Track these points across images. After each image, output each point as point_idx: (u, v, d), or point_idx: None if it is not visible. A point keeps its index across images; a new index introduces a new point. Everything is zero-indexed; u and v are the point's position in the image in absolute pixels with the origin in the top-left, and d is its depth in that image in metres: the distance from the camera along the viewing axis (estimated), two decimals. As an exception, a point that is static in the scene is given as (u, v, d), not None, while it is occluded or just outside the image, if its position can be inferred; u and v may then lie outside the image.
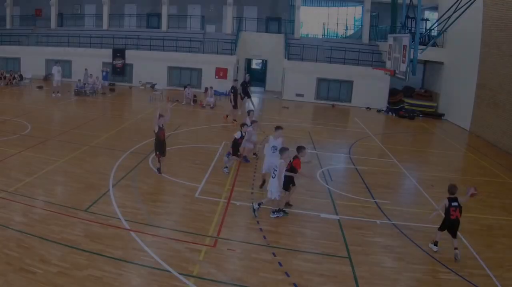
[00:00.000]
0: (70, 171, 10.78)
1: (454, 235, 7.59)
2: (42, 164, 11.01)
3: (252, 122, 12.03)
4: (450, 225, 7.63)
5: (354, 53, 25.19)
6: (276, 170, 8.49)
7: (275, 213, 8.86)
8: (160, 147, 10.69)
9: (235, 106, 18.36)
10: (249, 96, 19.39)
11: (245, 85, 19.34)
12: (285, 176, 8.69)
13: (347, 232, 8.45)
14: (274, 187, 8.52)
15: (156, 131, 10.56)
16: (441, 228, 7.80)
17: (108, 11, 29.78)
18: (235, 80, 19.30)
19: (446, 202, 7.62)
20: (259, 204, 8.83)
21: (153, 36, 27.56)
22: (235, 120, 18.08)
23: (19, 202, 8.59)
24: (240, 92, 19.04)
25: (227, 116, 18.77)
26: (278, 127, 10.30)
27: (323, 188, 10.88)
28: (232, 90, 18.50)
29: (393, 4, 24.85)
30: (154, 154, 11.01)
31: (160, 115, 10.56)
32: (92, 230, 7.68)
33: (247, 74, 20.57)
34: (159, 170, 10.84)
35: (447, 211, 7.61)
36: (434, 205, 10.12)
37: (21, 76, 25.69)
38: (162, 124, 10.65)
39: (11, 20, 31.40)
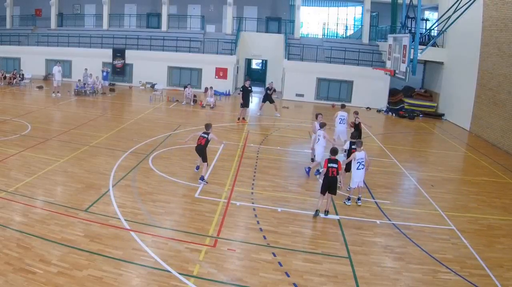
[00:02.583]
0: (70, 171, 10.78)
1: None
2: (42, 164, 11.01)
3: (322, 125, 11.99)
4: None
5: (354, 53, 25.20)
6: (362, 163, 9.71)
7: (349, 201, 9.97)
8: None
9: (242, 105, 18.36)
10: (247, 105, 18.62)
11: (246, 91, 18.31)
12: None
13: (347, 232, 8.45)
14: (359, 177, 9.72)
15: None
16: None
17: (108, 11, 29.77)
18: (247, 80, 18.92)
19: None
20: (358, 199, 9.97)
21: (153, 36, 27.57)
22: (244, 118, 18.35)
23: (19, 202, 8.59)
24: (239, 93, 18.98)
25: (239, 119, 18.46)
26: (355, 112, 13.22)
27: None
28: (241, 89, 18.57)
29: (393, 4, 24.94)
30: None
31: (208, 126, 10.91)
32: (92, 230, 7.68)
33: (248, 81, 18.68)
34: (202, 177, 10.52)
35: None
36: (434, 205, 10.15)
37: (22, 76, 25.67)
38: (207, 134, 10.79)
39: (11, 20, 31.41)
